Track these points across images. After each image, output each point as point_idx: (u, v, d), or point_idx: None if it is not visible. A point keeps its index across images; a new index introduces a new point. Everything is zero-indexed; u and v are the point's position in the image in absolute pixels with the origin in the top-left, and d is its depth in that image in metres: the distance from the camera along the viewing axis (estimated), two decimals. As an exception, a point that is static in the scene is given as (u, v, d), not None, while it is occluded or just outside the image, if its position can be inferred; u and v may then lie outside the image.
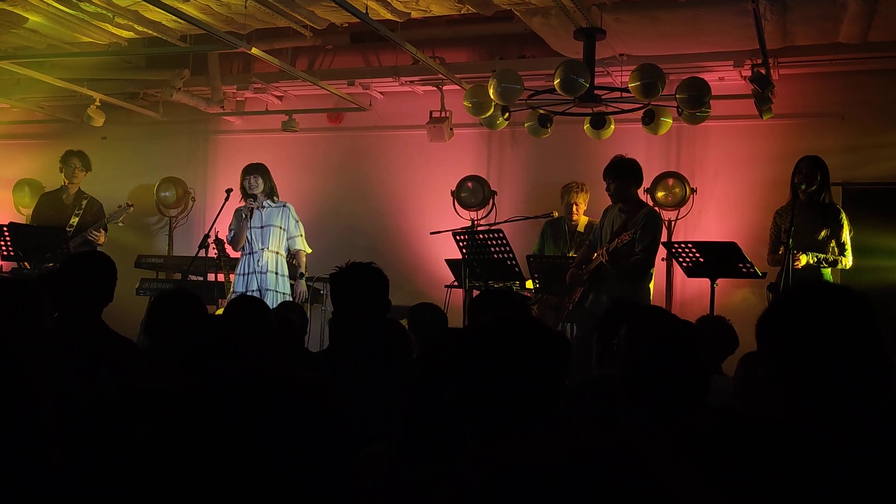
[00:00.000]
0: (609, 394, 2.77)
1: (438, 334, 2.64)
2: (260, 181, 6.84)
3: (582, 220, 7.19)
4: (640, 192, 7.35)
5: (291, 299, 6.74)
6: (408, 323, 4.84)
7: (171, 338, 3.03)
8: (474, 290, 6.81)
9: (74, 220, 7.45)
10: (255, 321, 3.03)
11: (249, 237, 6.80)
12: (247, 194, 6.85)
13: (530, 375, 1.81)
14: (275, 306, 5.99)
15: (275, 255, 6.81)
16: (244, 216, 6.81)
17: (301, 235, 6.96)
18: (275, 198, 6.93)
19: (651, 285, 6.02)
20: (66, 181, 7.66)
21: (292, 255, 7.04)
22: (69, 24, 6.99)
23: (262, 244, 6.77)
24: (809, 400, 1.61)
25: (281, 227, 6.84)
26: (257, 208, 6.82)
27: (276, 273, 6.79)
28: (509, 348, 1.82)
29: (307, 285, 7.41)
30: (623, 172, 5.98)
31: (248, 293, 6.67)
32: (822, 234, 5.75)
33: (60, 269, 3.60)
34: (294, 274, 7.03)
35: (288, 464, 1.49)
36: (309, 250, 7.01)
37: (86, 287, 3.42)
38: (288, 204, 6.98)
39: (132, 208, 7.69)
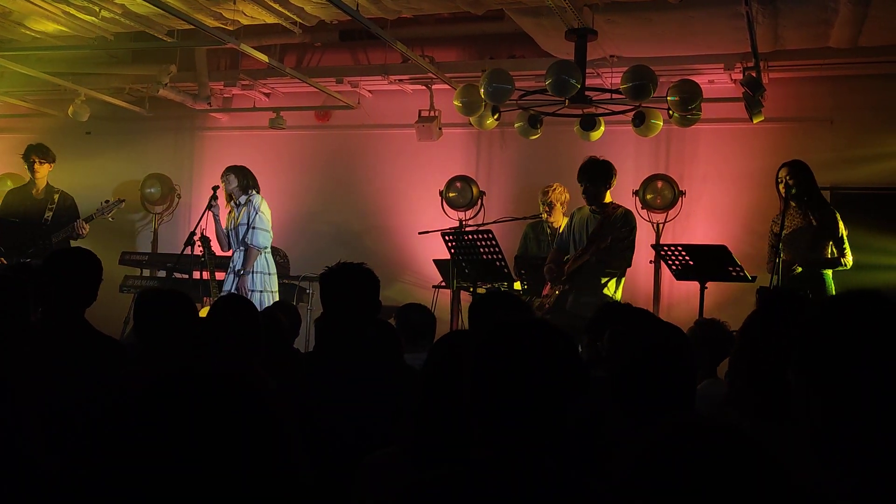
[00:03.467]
0: (597, 397, 2.75)
1: (451, 337, 2.60)
2: (232, 178, 6.77)
3: (563, 222, 7.14)
4: (629, 194, 7.39)
5: (277, 296, 6.68)
6: (396, 323, 4.80)
7: (159, 336, 2.98)
8: (462, 291, 6.78)
9: (49, 215, 7.34)
10: (241, 321, 2.97)
11: (229, 237, 6.76)
12: (228, 195, 6.84)
13: (557, 379, 1.80)
14: (259, 306, 5.95)
15: (244, 255, 6.70)
16: (210, 210, 6.79)
17: (258, 228, 6.63)
18: (250, 191, 6.78)
19: (622, 285, 6.04)
20: (30, 175, 7.54)
21: (274, 251, 6.93)
22: (55, 17, 6.90)
23: (235, 244, 6.73)
24: (850, 419, 1.55)
25: (247, 224, 6.70)
26: (235, 206, 6.77)
27: (254, 271, 6.66)
28: (532, 349, 1.81)
29: (296, 285, 7.39)
30: (598, 175, 5.99)
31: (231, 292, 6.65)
32: (819, 237, 5.70)
33: (44, 266, 3.53)
34: (278, 270, 6.94)
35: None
36: (264, 245, 6.68)
37: (70, 285, 3.35)
38: (253, 196, 6.75)
39: (123, 204, 7.56)
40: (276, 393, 2.57)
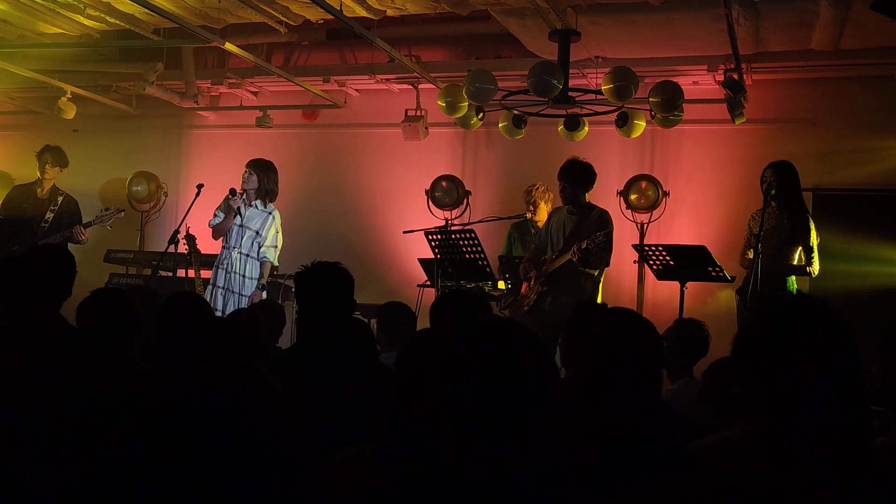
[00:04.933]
0: (572, 396, 2.78)
1: (418, 336, 2.64)
2: (254, 177, 6.68)
3: None
4: (613, 194, 7.44)
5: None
6: (377, 322, 4.82)
7: (101, 337, 3.01)
8: (446, 290, 6.80)
9: (49, 216, 7.35)
10: (192, 319, 3.01)
11: (229, 231, 6.72)
12: (241, 187, 6.74)
13: (521, 379, 1.83)
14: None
15: (244, 258, 6.68)
16: (234, 211, 6.69)
17: (276, 247, 6.75)
18: (267, 201, 6.74)
19: (601, 285, 6.08)
20: (39, 175, 7.56)
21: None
22: (40, 15, 6.91)
23: (235, 243, 6.68)
24: (794, 415, 1.61)
25: (257, 232, 6.68)
26: (245, 204, 6.71)
27: (244, 276, 6.67)
28: (504, 352, 1.84)
29: (282, 283, 7.40)
30: (579, 176, 6.03)
31: (215, 288, 6.64)
32: (788, 241, 5.77)
33: (18, 262, 3.54)
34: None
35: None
36: (276, 264, 6.84)
37: (43, 281, 3.36)
38: (275, 212, 6.78)
39: (123, 213, 7.57)
40: (283, 395, 2.59)
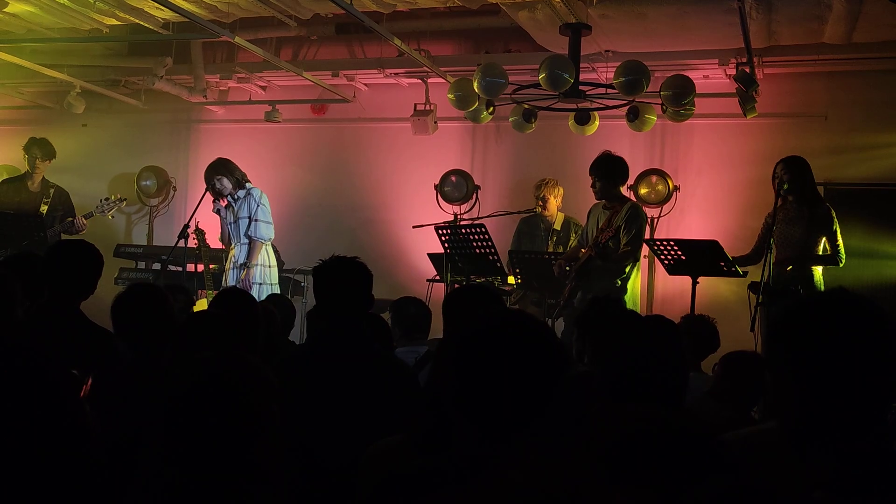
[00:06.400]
0: (587, 391, 2.78)
1: (464, 328, 2.62)
2: (225, 181, 6.61)
3: (558, 217, 7.18)
4: (624, 188, 7.40)
5: (277, 288, 6.68)
6: (391, 316, 4.82)
7: (136, 334, 3.01)
8: (455, 285, 6.79)
9: (44, 209, 7.37)
10: (241, 314, 3.00)
11: (231, 233, 6.70)
12: (221, 196, 6.70)
13: (533, 372, 1.81)
14: (260, 298, 5.96)
15: (245, 247, 6.62)
16: (221, 217, 6.70)
17: (260, 221, 6.59)
18: (247, 184, 6.69)
19: (638, 281, 6.06)
20: (29, 169, 7.56)
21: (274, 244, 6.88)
22: (50, 10, 6.91)
23: (234, 240, 6.66)
24: (825, 409, 1.60)
25: (249, 217, 6.61)
26: (232, 200, 6.67)
27: (257, 264, 6.65)
28: (515, 345, 1.82)
29: (291, 278, 7.38)
30: (609, 171, 6.00)
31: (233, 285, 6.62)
32: (812, 233, 5.72)
33: (47, 256, 3.56)
34: (277, 261, 6.92)
35: None
36: (269, 236, 6.67)
37: (71, 276, 3.39)
38: (253, 190, 6.67)
39: (125, 202, 7.55)
40: (271, 384, 2.58)
